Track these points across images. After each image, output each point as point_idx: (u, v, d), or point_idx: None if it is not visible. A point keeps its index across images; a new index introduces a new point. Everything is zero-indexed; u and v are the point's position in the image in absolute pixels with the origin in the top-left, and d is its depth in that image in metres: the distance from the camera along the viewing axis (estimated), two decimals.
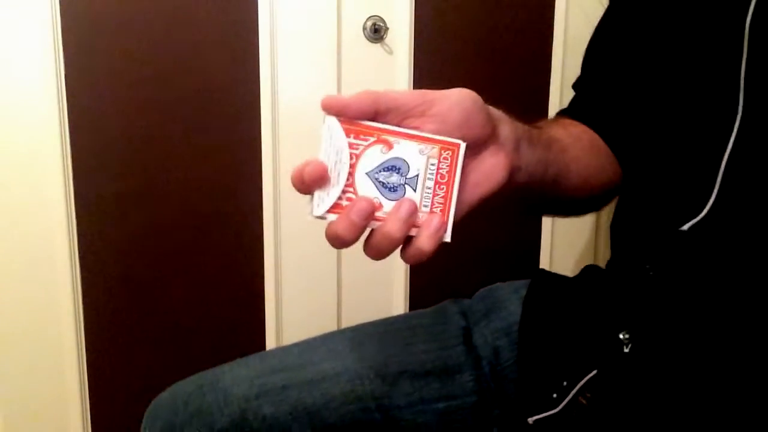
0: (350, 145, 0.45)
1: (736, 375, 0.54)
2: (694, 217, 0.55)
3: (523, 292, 0.72)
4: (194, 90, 1.21)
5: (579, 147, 0.65)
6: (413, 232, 0.47)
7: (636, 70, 0.67)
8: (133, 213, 1.23)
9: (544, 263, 1.44)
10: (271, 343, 1.32)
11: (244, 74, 1.22)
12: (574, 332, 0.64)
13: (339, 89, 1.26)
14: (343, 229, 0.45)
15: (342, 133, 0.45)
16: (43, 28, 1.12)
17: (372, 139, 0.46)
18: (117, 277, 1.24)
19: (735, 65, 0.54)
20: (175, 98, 1.21)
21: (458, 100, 0.47)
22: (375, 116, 0.46)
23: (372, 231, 0.47)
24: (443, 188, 0.47)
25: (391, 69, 1.28)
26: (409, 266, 1.35)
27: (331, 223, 0.45)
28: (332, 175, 0.45)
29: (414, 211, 0.46)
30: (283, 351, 0.67)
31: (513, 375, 0.67)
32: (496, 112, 0.51)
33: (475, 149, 0.48)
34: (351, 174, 0.46)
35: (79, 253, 1.21)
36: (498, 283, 0.76)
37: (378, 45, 1.27)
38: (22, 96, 1.13)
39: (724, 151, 0.54)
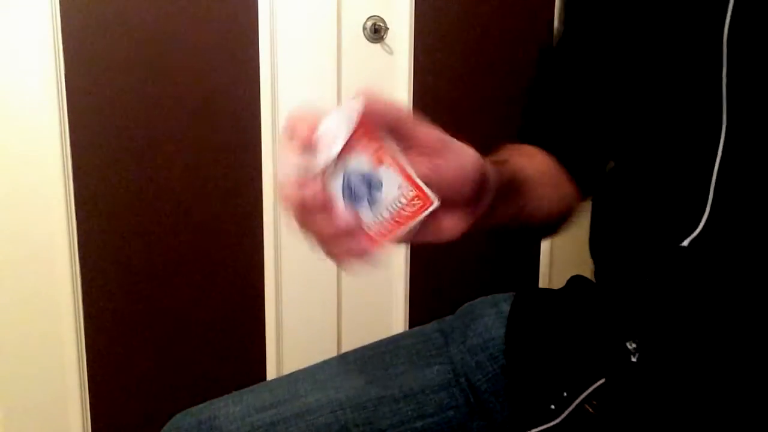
0: (352, 137, 0.46)
1: (745, 384, 0.54)
2: (690, 232, 0.55)
3: (503, 306, 0.73)
4: (194, 90, 1.21)
5: (546, 183, 0.65)
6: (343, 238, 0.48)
7: (601, 93, 0.66)
8: (133, 213, 1.23)
9: (543, 273, 1.44)
10: (270, 343, 1.33)
11: (244, 74, 1.22)
12: (573, 343, 0.65)
13: (339, 89, 1.26)
14: (288, 194, 0.47)
15: (353, 124, 0.46)
16: (43, 28, 1.12)
17: (372, 148, 0.47)
18: (117, 277, 1.24)
19: (716, 78, 0.54)
20: (175, 98, 1.21)
21: (463, 164, 0.47)
22: (389, 130, 0.46)
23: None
24: (393, 225, 0.48)
25: (391, 69, 1.28)
26: (409, 269, 1.35)
27: (287, 184, 0.47)
28: (320, 144, 0.46)
29: (349, 230, 0.47)
30: (274, 384, 0.70)
31: (493, 388, 0.68)
32: (491, 181, 0.50)
33: (445, 206, 0.48)
34: (336, 163, 0.47)
35: (79, 253, 1.21)
36: (480, 298, 0.77)
37: (378, 45, 1.27)
38: (22, 96, 1.13)
39: (713, 164, 0.54)
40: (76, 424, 1.26)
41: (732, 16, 0.52)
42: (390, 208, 0.48)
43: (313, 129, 0.45)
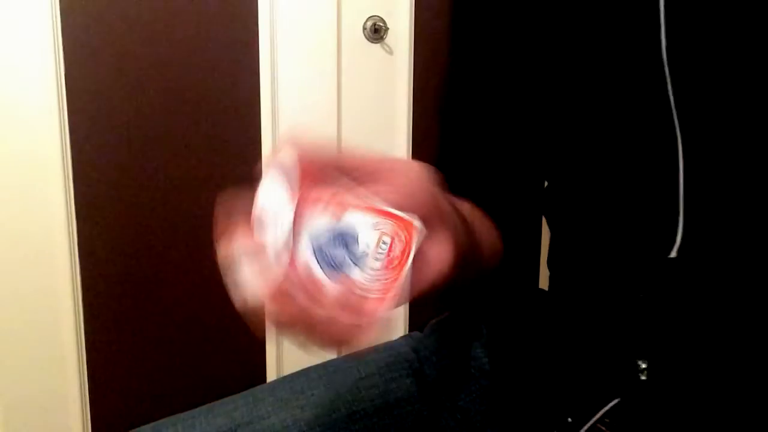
0: (298, 197, 0.39)
1: (755, 388, 0.54)
2: (671, 243, 0.55)
3: (479, 327, 0.70)
4: (194, 90, 1.21)
5: (479, 223, 0.60)
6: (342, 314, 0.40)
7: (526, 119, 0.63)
8: (133, 213, 1.23)
9: (543, 276, 1.44)
10: (270, 343, 1.32)
11: (244, 74, 1.22)
12: (571, 366, 0.63)
13: (339, 89, 1.26)
14: (255, 291, 0.40)
15: (294, 181, 0.39)
16: (43, 28, 1.12)
17: (326, 198, 0.40)
18: (117, 277, 1.24)
19: (662, 94, 0.53)
20: (174, 98, 1.21)
21: (417, 175, 0.42)
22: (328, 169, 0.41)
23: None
24: (393, 272, 0.40)
25: (391, 69, 1.28)
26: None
27: (248, 282, 0.41)
28: (266, 221, 0.40)
29: (346, 300, 0.39)
30: (230, 406, 0.64)
31: (478, 408, 0.65)
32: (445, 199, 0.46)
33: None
34: (295, 232, 0.40)
35: (79, 253, 1.21)
36: (448, 314, 0.73)
37: (378, 45, 1.27)
38: (22, 96, 1.13)
39: (677, 173, 0.54)
40: (76, 424, 1.26)
41: (666, 32, 0.52)
42: (377, 255, 0.40)
43: (249, 209, 0.38)
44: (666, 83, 0.53)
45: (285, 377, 0.67)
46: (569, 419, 0.59)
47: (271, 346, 1.33)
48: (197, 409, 0.63)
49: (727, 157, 0.53)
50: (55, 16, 1.13)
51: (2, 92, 1.13)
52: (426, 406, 0.65)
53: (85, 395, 1.26)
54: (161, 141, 1.22)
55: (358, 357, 0.68)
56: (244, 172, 1.26)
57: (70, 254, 1.20)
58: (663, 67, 0.52)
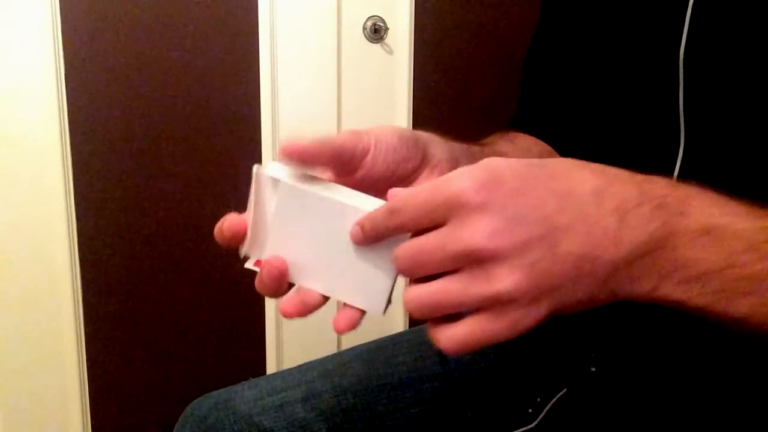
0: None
1: (699, 390, 0.55)
2: None
3: None
4: (194, 90, 1.21)
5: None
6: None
7: (577, 89, 0.68)
8: (133, 214, 1.23)
9: None
10: (270, 342, 1.33)
11: (244, 75, 1.22)
12: (546, 351, 0.67)
13: (339, 89, 1.26)
14: (259, 286, 0.47)
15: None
16: (43, 28, 1.12)
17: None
18: (117, 277, 1.24)
19: (673, 95, 0.54)
20: (174, 98, 1.21)
21: (383, 137, 0.48)
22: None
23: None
24: None
25: (391, 69, 1.28)
26: None
27: (257, 276, 0.46)
28: (260, 226, 0.45)
29: None
30: (286, 373, 0.76)
31: (483, 382, 0.72)
32: (426, 137, 0.52)
33: (411, 179, 0.49)
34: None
35: (79, 253, 1.21)
36: None
37: (378, 45, 1.27)
38: (22, 96, 1.13)
39: (672, 175, 0.55)
40: (76, 424, 1.26)
41: (687, 36, 0.53)
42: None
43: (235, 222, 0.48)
44: (678, 87, 0.53)
45: (333, 354, 0.78)
46: (538, 399, 0.64)
47: (271, 346, 1.33)
48: (261, 377, 0.75)
49: (724, 164, 0.53)
50: (55, 16, 1.13)
51: (2, 92, 1.13)
52: (443, 383, 0.72)
53: (85, 395, 1.26)
54: (161, 140, 1.22)
55: (394, 338, 0.78)
56: (244, 172, 1.26)
57: (70, 254, 1.20)
58: (678, 71, 0.53)
